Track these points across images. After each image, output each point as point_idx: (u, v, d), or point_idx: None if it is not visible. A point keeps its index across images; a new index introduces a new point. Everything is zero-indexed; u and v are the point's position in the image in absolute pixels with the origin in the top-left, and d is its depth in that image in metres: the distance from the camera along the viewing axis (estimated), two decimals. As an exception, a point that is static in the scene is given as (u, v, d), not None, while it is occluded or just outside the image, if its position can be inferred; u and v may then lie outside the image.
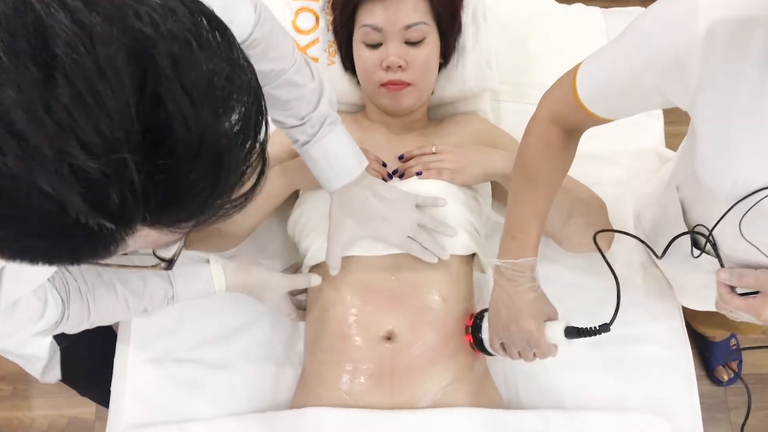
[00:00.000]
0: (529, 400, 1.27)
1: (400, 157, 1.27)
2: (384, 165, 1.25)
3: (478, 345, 1.15)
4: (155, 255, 0.64)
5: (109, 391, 1.26)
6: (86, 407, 1.87)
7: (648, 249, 1.18)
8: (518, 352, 1.09)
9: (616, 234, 1.30)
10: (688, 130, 1.07)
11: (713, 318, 1.46)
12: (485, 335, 1.13)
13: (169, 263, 0.65)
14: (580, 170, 1.25)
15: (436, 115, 1.42)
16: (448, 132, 1.32)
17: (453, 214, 1.20)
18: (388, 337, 1.14)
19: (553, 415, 1.18)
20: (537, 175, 1.05)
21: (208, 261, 1.13)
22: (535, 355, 1.08)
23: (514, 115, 1.42)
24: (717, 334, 1.92)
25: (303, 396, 1.18)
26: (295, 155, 1.22)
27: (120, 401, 1.24)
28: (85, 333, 1.14)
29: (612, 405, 1.25)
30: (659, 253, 1.12)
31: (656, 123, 1.48)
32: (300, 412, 1.13)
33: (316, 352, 1.18)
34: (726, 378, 1.94)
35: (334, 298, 1.17)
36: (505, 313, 1.06)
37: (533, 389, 1.28)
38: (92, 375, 1.42)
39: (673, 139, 1.45)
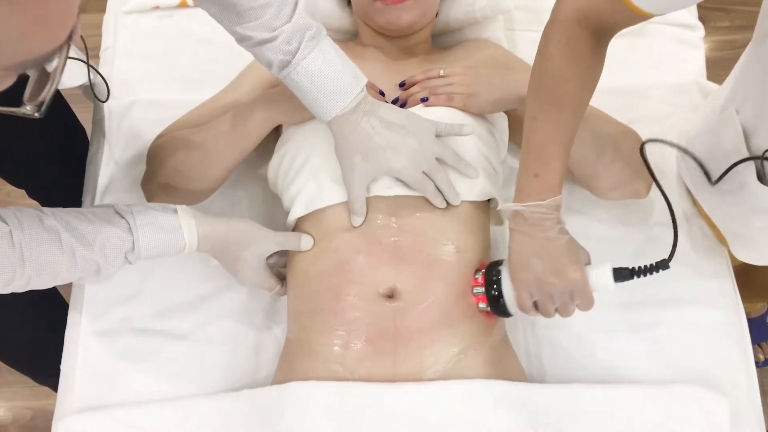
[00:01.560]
0: (555, 373, 1.08)
1: (401, 85, 1.08)
2: (382, 94, 1.06)
3: (497, 307, 0.96)
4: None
5: (59, 371, 1.08)
6: (53, 398, 1.73)
7: (703, 171, 1.01)
8: (556, 308, 0.92)
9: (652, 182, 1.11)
10: (753, 37, 0.89)
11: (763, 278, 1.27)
12: (508, 293, 0.94)
13: (39, 108, 0.54)
14: (609, 107, 1.10)
15: (441, 43, 1.23)
16: (456, 58, 1.13)
17: (467, 149, 1.01)
18: (390, 295, 0.95)
19: (585, 391, 0.98)
20: (562, 92, 0.87)
21: (176, 211, 0.95)
22: (576, 308, 0.92)
23: (531, 46, 1.20)
24: (754, 309, 1.73)
25: (287, 369, 0.99)
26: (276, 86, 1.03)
27: (70, 381, 1.06)
28: (30, 300, 0.96)
29: (653, 378, 1.06)
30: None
31: (696, 53, 1.30)
32: (283, 388, 0.94)
33: (302, 316, 0.99)
34: (762, 359, 1.78)
35: (324, 249, 0.98)
36: (539, 264, 0.90)
37: (560, 360, 1.09)
38: (37, 352, 1.22)
39: (716, 71, 1.27)
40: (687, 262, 1.13)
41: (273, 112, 1.01)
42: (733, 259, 1.15)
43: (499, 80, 1.03)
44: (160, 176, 1.07)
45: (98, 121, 1.25)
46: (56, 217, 0.88)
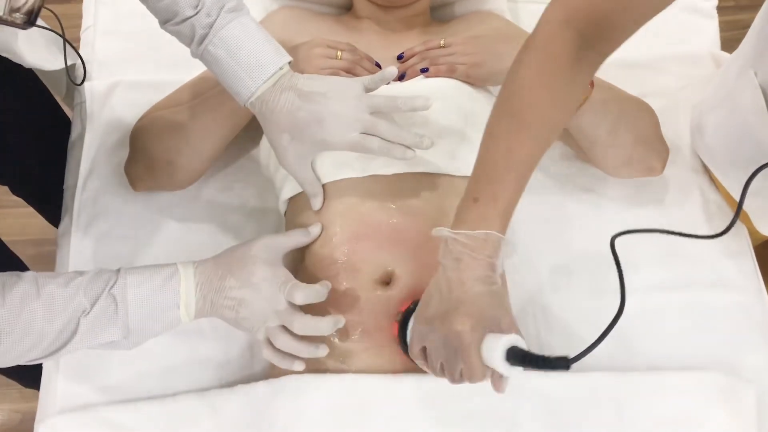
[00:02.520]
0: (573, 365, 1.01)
1: (399, 58, 1.02)
2: (378, 67, 1.00)
3: (402, 342, 0.85)
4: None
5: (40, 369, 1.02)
6: (43, 400, 1.69)
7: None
8: (441, 364, 0.76)
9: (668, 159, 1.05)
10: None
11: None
12: (410, 328, 0.83)
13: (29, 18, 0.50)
14: (618, 81, 1.04)
15: (441, 17, 1.16)
16: (457, 30, 1.07)
17: (471, 120, 0.95)
18: (387, 281, 0.89)
19: (602, 379, 0.92)
20: (524, 107, 0.75)
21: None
22: (462, 374, 0.75)
23: (535, 18, 1.15)
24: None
25: (282, 363, 0.92)
26: None
27: (52, 379, 1.00)
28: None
29: (672, 365, 1.00)
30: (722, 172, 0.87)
31: (710, 23, 1.24)
32: (278, 382, 0.88)
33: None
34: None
35: (319, 235, 0.92)
36: (436, 303, 0.76)
37: (574, 349, 0.99)
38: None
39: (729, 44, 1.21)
40: (704, 241, 1.07)
41: None
42: (753, 237, 1.09)
43: (506, 49, 0.97)
44: (144, 160, 1.01)
45: (79, 104, 1.19)
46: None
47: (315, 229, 0.91)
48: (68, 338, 0.78)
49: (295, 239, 0.89)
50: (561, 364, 0.69)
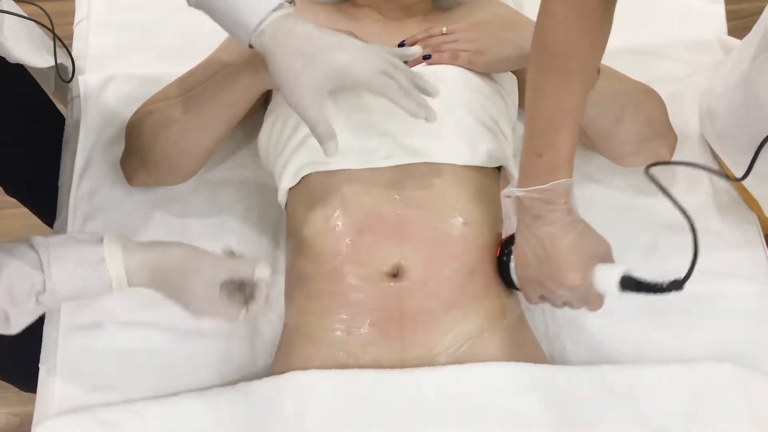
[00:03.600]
0: (578, 356, 1.00)
1: (401, 45, 0.99)
2: (379, 55, 0.97)
3: (511, 286, 0.90)
4: None
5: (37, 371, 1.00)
6: (41, 403, 1.67)
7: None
8: (563, 302, 0.84)
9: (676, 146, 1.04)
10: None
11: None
12: (514, 277, 0.88)
13: None
14: (624, 69, 1.02)
15: (441, 4, 1.14)
16: (459, 17, 1.04)
17: (474, 108, 0.92)
18: (394, 274, 0.87)
19: (613, 372, 0.90)
20: (569, 57, 0.77)
21: (101, 240, 0.80)
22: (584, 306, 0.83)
23: (538, 5, 1.14)
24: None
25: (286, 358, 0.90)
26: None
27: (49, 381, 0.98)
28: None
29: (684, 357, 0.97)
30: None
31: (716, 8, 1.22)
32: (282, 379, 0.86)
33: (301, 300, 0.91)
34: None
35: (322, 227, 0.90)
36: (536, 265, 0.81)
37: (583, 343, 1.00)
38: (20, 359, 1.13)
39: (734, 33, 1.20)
40: (715, 230, 1.05)
41: (260, 75, 0.92)
42: (764, 226, 1.07)
43: (509, 36, 0.95)
44: (140, 153, 0.98)
45: (73, 99, 1.17)
46: None
47: (262, 270, 0.84)
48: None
49: (237, 273, 0.83)
50: (674, 286, 0.76)
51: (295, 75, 0.79)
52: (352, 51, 0.80)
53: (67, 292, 0.77)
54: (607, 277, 0.79)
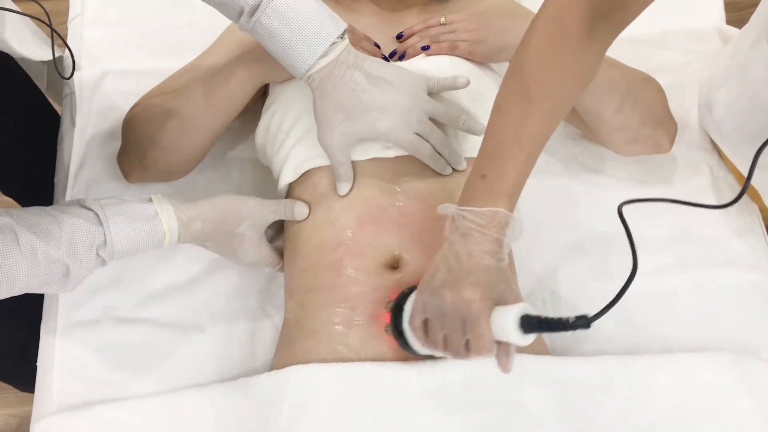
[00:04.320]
0: (580, 347, 0.99)
1: (399, 37, 0.99)
2: (378, 47, 0.97)
3: (394, 329, 0.81)
4: None
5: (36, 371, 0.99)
6: (39, 404, 1.66)
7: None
8: (444, 336, 0.74)
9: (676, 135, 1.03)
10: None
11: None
12: (406, 309, 0.80)
13: None
14: (625, 57, 1.01)
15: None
16: (456, 8, 1.04)
17: (475, 97, 0.91)
18: (394, 266, 0.87)
19: (615, 363, 0.89)
20: (535, 81, 0.73)
21: (150, 199, 0.84)
22: (468, 347, 0.72)
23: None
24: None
25: (286, 353, 0.90)
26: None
27: (47, 378, 0.97)
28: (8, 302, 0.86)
29: (685, 346, 0.97)
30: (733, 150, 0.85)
31: (714, -3, 1.21)
32: (282, 373, 0.85)
33: (301, 293, 0.90)
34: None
35: (321, 220, 0.89)
36: (443, 274, 0.74)
37: (584, 333, 0.98)
38: (20, 359, 1.12)
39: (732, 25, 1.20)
40: (715, 220, 1.05)
41: (257, 69, 0.91)
42: (764, 214, 1.07)
43: (508, 25, 0.94)
44: (137, 149, 0.97)
45: (68, 95, 1.16)
46: (10, 214, 0.76)
47: (301, 209, 0.90)
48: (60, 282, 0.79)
49: (282, 214, 0.90)
50: (581, 323, 0.67)
51: (334, 125, 0.85)
52: (393, 115, 0.85)
53: (124, 247, 0.81)
54: (504, 315, 0.69)
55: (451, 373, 0.82)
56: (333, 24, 0.82)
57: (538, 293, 1.01)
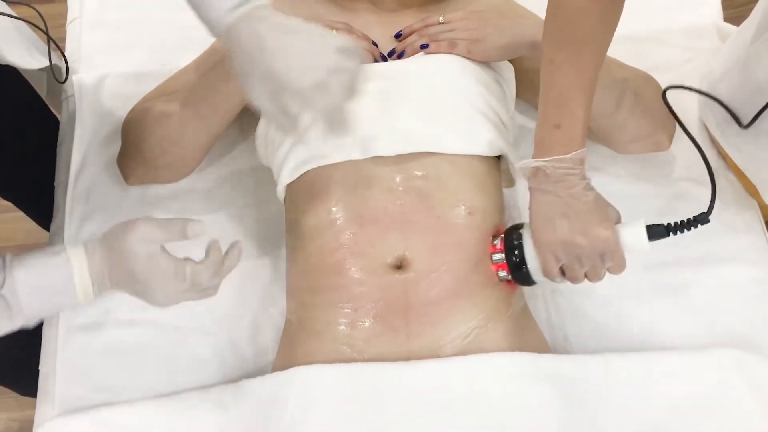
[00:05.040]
0: (581, 343, 0.99)
1: (397, 36, 0.99)
2: (375, 46, 0.97)
3: (519, 275, 0.87)
4: None
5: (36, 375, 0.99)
6: (40, 407, 1.65)
7: (731, 115, 0.93)
8: (585, 272, 0.84)
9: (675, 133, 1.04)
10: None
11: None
12: (531, 259, 0.86)
13: None
14: (624, 55, 1.01)
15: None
16: (455, 7, 1.03)
17: (473, 96, 0.92)
18: (398, 265, 0.87)
19: (617, 360, 0.89)
20: (581, 32, 0.78)
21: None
22: (606, 272, 0.84)
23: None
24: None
25: (289, 353, 0.90)
26: None
27: (50, 382, 0.97)
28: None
29: (687, 343, 0.97)
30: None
31: (712, -5, 1.21)
32: (285, 374, 0.85)
33: (303, 294, 0.90)
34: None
35: (323, 220, 0.89)
36: (564, 224, 0.81)
37: (586, 330, 1.00)
38: (20, 363, 1.12)
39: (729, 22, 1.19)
40: (716, 216, 1.02)
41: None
42: (764, 211, 1.07)
43: (507, 24, 0.95)
44: (137, 151, 0.97)
45: (67, 99, 1.15)
46: None
47: (194, 228, 0.79)
48: None
49: (171, 234, 0.77)
50: (701, 219, 0.82)
51: (245, 77, 0.76)
52: (296, 61, 0.74)
53: (28, 298, 0.73)
54: (632, 231, 0.81)
55: (454, 373, 0.82)
56: None
57: (538, 290, 1.01)
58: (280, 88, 0.75)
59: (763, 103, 0.84)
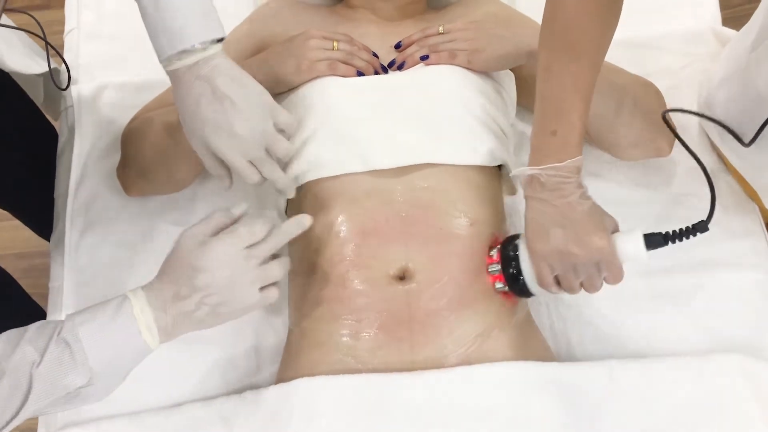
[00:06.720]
0: (584, 350, 0.99)
1: (397, 47, 0.99)
2: (376, 57, 0.97)
3: (516, 286, 0.87)
4: None
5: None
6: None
7: (733, 135, 0.90)
8: (580, 282, 0.83)
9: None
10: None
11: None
12: (527, 270, 0.85)
13: None
14: (622, 61, 1.01)
15: (436, 3, 1.13)
16: (454, 16, 1.04)
17: (474, 107, 0.92)
18: (401, 276, 0.87)
19: (620, 367, 0.89)
20: (577, 39, 0.78)
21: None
22: (603, 281, 0.83)
23: (532, 1, 1.13)
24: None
25: (292, 365, 0.89)
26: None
27: (53, 394, 0.95)
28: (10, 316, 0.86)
29: (690, 349, 0.97)
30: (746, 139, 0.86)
31: (709, -2, 1.22)
32: (290, 386, 0.85)
33: (306, 307, 0.90)
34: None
35: (325, 233, 0.89)
36: (559, 233, 0.80)
37: (588, 337, 1.00)
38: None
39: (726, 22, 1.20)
40: (716, 221, 1.02)
41: (256, 78, 0.91)
42: (764, 215, 1.07)
43: (507, 33, 0.95)
44: (137, 162, 0.97)
45: (65, 110, 1.15)
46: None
47: (302, 220, 0.82)
48: (23, 399, 0.69)
49: (216, 222, 0.79)
50: (700, 227, 0.81)
51: (191, 131, 0.81)
52: (222, 137, 0.80)
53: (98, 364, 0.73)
54: (629, 240, 0.81)
55: (459, 383, 0.82)
56: (204, 28, 0.78)
57: (541, 297, 1.01)
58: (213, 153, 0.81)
59: (765, 116, 0.84)
